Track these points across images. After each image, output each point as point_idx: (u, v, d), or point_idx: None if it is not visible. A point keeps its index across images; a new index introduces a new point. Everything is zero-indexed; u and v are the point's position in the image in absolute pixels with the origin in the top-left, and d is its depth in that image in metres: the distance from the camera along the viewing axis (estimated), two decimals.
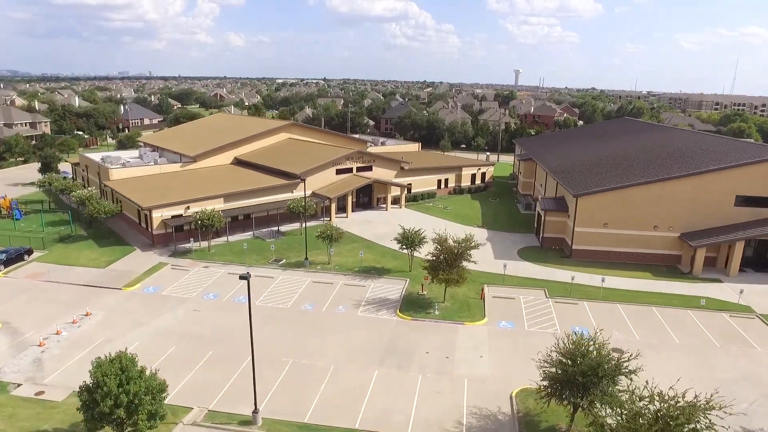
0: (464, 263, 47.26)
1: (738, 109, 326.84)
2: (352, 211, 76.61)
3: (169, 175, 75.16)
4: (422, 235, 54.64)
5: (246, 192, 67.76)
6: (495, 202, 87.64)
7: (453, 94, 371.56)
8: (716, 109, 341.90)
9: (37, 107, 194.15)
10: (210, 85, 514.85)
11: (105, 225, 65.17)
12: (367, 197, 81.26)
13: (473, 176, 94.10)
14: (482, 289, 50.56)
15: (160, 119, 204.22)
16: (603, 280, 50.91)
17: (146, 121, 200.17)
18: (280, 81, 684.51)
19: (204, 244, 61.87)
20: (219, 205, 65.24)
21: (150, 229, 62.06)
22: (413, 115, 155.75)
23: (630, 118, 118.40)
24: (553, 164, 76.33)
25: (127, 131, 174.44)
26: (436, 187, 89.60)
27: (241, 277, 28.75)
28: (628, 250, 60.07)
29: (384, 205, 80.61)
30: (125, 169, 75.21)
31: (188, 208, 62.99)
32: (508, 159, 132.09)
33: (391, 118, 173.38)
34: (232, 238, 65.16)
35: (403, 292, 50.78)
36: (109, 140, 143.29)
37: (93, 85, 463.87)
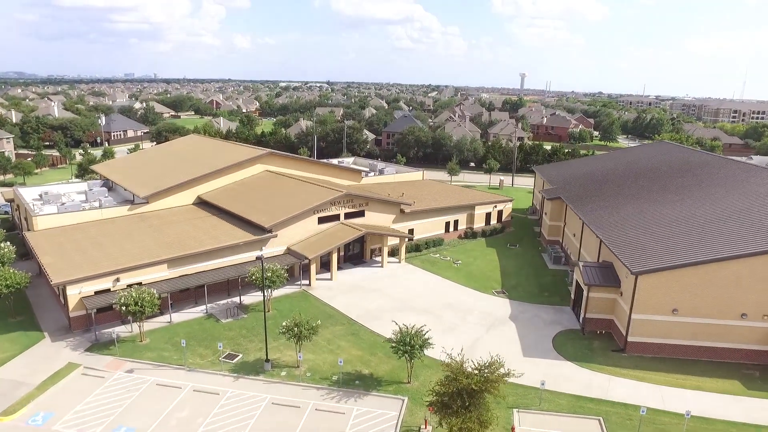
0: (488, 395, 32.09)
1: (759, 118, 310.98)
2: (339, 268, 61.26)
3: (111, 223, 59.88)
4: (425, 335, 39.29)
5: (199, 254, 52.60)
6: (515, 249, 72.13)
7: (459, 101, 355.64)
8: (734, 117, 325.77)
9: (13, 118, 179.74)
10: (211, 89, 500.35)
11: (10, 302, 49.56)
12: (358, 247, 65.97)
13: (488, 215, 78.64)
14: (512, 428, 35.09)
15: (145, 131, 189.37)
16: (688, 415, 35.30)
17: (130, 133, 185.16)
18: (283, 85, 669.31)
19: (137, 328, 46.61)
20: (162, 273, 50.17)
21: (66, 309, 46.96)
22: (417, 132, 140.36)
23: (670, 142, 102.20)
24: (592, 214, 60.60)
25: (107, 144, 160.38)
26: (443, 231, 74.06)
27: None
28: (703, 344, 44.60)
29: (379, 259, 65.18)
30: (55, 215, 59.96)
31: (118, 280, 47.88)
32: (523, 182, 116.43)
33: (394, 133, 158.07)
34: (178, 317, 49.91)
35: (398, 427, 35.42)
36: (79, 157, 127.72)
37: (91, 89, 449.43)
